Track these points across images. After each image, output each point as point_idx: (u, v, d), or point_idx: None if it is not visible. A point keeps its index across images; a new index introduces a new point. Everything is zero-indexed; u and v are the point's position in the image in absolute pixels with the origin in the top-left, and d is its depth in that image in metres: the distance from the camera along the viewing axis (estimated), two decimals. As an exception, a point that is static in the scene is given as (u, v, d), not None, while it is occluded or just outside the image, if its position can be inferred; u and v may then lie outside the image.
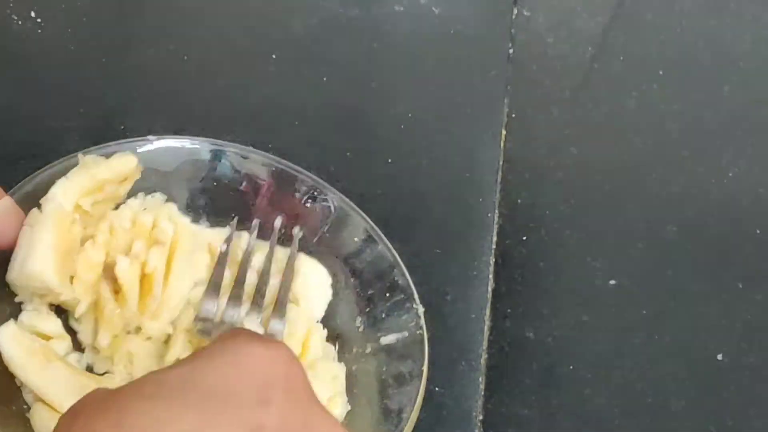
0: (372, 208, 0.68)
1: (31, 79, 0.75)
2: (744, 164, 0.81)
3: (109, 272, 0.63)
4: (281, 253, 0.66)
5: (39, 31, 0.78)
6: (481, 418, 0.67)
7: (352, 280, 0.67)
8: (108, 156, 0.65)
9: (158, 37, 0.80)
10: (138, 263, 0.63)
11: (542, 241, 0.75)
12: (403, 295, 0.65)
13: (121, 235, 0.64)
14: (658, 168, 0.80)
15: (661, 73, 0.85)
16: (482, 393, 0.67)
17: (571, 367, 0.70)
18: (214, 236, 0.67)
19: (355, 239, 0.67)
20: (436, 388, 0.66)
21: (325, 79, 0.80)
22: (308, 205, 0.68)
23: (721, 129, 0.83)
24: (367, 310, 0.66)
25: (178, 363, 0.43)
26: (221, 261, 0.64)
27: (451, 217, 0.74)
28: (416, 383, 0.61)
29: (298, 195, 0.68)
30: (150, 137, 0.67)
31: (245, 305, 0.62)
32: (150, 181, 0.66)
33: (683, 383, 0.70)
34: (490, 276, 0.72)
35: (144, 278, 0.63)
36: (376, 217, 0.68)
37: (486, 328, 0.70)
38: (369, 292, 0.66)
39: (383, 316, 0.65)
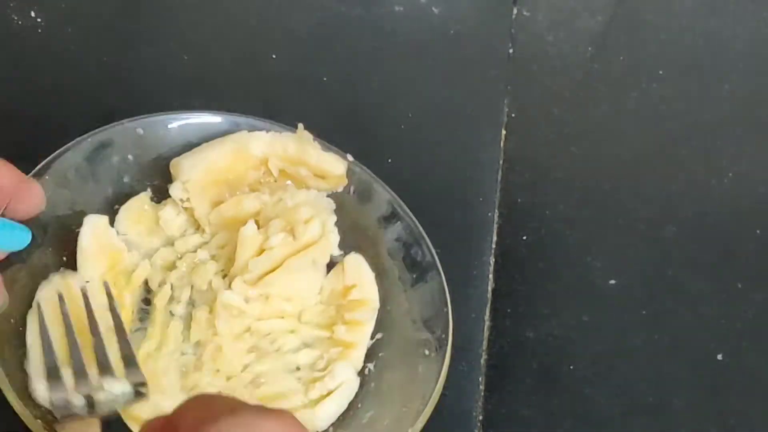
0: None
1: (30, 79, 0.75)
2: (744, 164, 0.81)
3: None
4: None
5: (39, 30, 0.78)
6: (481, 417, 0.67)
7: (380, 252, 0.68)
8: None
9: (158, 36, 0.80)
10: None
11: (542, 240, 0.75)
12: (428, 271, 0.66)
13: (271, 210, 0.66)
14: (658, 168, 0.80)
15: (660, 72, 0.85)
16: (482, 392, 0.67)
17: (571, 367, 0.70)
18: None
19: (381, 212, 0.68)
20: (436, 388, 0.66)
21: (325, 78, 0.80)
22: None
23: (721, 128, 0.83)
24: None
25: None
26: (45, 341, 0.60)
27: (451, 216, 0.74)
28: (440, 359, 0.62)
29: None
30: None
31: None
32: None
33: (683, 383, 0.70)
34: (490, 275, 0.72)
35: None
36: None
37: (486, 328, 0.70)
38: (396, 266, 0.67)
39: (409, 286, 0.66)
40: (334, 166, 0.68)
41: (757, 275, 0.76)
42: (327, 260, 0.66)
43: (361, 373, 0.64)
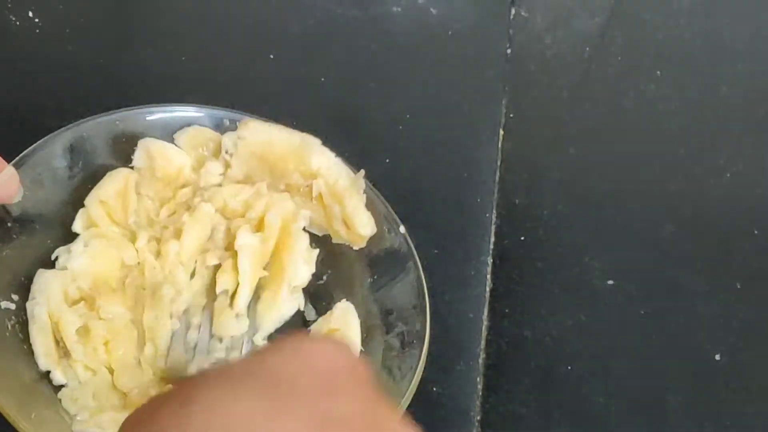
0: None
1: (28, 79, 0.75)
2: (742, 164, 0.81)
3: None
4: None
5: (37, 31, 0.78)
6: (479, 417, 0.67)
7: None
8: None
9: (156, 37, 0.80)
10: None
11: (540, 240, 0.75)
12: (405, 261, 0.66)
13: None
14: (656, 168, 0.80)
15: (658, 73, 0.85)
16: (480, 392, 0.67)
17: (569, 367, 0.70)
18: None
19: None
20: (434, 388, 0.66)
21: (323, 79, 0.80)
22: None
23: (719, 129, 0.83)
24: (372, 276, 0.66)
25: (242, 358, 0.43)
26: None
27: (449, 217, 0.74)
28: (417, 350, 0.62)
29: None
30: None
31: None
32: None
33: (681, 382, 0.71)
34: (488, 276, 0.72)
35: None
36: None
37: (484, 328, 0.70)
38: (370, 256, 0.67)
39: (387, 281, 0.66)
40: (364, 225, 0.67)
41: (755, 275, 0.76)
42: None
43: None
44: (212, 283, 0.64)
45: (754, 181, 0.80)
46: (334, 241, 0.67)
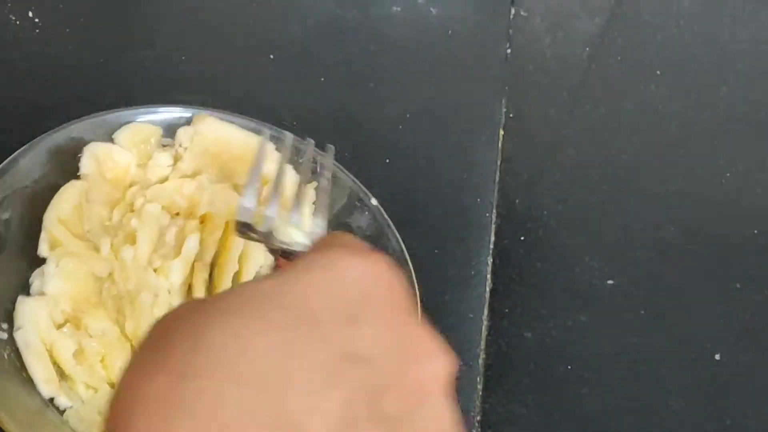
0: (370, 207, 0.69)
1: (28, 79, 0.75)
2: (742, 165, 0.81)
3: None
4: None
5: (37, 30, 0.78)
6: (479, 417, 0.67)
7: None
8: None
9: (156, 37, 0.80)
10: None
11: (540, 241, 0.75)
12: (397, 261, 0.65)
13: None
14: (656, 169, 0.80)
15: (658, 73, 0.85)
16: (480, 392, 0.67)
17: (569, 367, 0.70)
18: None
19: (344, 202, 0.68)
20: (434, 388, 0.66)
21: (322, 79, 0.80)
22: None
23: (719, 130, 0.83)
24: None
25: (269, 276, 0.40)
26: (259, 159, 0.61)
27: (449, 217, 0.74)
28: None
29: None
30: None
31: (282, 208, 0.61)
32: None
33: (681, 383, 0.70)
34: (488, 276, 0.72)
35: None
36: (374, 217, 0.68)
37: (484, 328, 0.70)
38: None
39: None
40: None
41: (755, 276, 0.76)
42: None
43: None
44: (188, 279, 0.64)
45: (754, 182, 0.80)
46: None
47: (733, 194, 0.79)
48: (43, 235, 0.63)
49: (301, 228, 0.56)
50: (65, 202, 0.64)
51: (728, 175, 0.80)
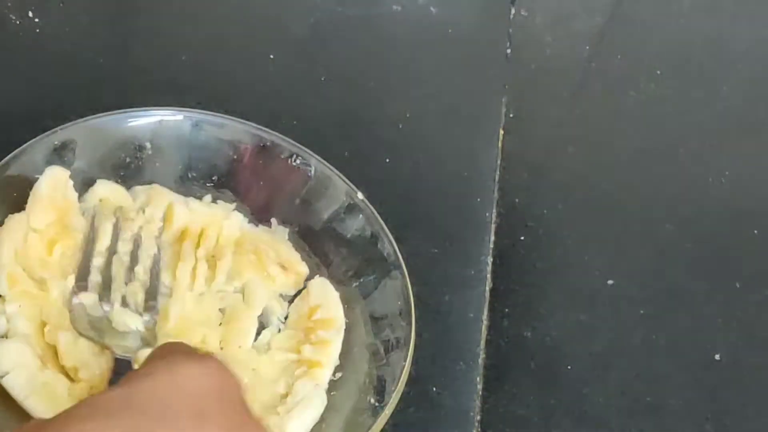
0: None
1: (28, 78, 0.75)
2: (741, 164, 0.81)
3: None
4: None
5: (36, 30, 0.78)
6: (479, 417, 0.67)
7: (339, 249, 0.67)
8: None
9: (155, 37, 0.80)
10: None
11: (540, 240, 0.75)
12: (390, 266, 0.65)
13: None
14: (656, 168, 0.80)
15: (658, 72, 0.85)
16: (480, 392, 0.67)
17: (569, 367, 0.70)
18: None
19: (337, 206, 0.68)
20: (434, 388, 0.66)
21: (323, 79, 0.80)
22: (292, 165, 0.69)
23: (719, 129, 0.83)
24: (356, 280, 0.66)
25: (115, 386, 0.43)
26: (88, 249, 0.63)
27: (449, 217, 0.74)
28: (404, 351, 0.62)
29: (278, 160, 0.69)
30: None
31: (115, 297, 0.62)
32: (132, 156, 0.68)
33: (680, 383, 0.70)
34: (488, 276, 0.72)
35: None
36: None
37: (484, 328, 0.70)
38: (356, 263, 0.67)
39: (371, 285, 0.66)
40: (301, 262, 0.67)
41: (755, 275, 0.76)
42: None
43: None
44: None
45: (753, 181, 0.80)
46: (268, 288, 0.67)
47: (733, 194, 0.79)
48: (0, 275, 0.62)
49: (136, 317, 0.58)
50: (12, 238, 0.63)
51: (728, 174, 0.80)
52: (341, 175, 0.68)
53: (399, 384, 0.60)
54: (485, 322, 0.70)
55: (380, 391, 0.61)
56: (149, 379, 0.42)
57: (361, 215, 0.67)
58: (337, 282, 0.66)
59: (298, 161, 0.68)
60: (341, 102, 0.79)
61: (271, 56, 0.80)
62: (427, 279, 0.69)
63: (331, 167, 0.68)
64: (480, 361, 0.69)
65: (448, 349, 0.68)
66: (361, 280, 0.66)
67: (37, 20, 0.78)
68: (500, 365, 0.69)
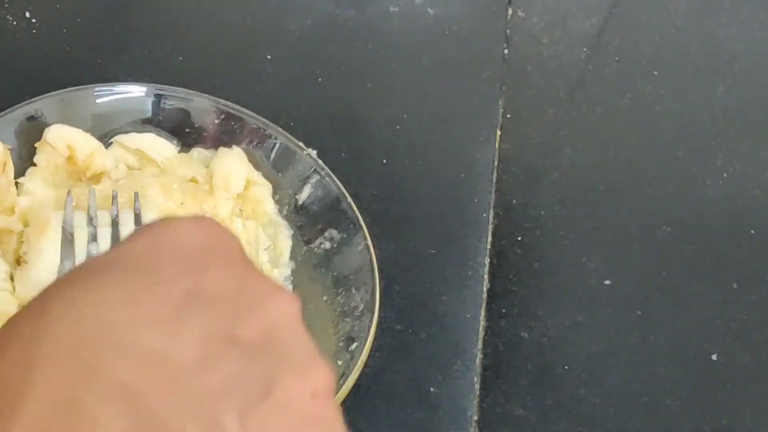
0: (366, 208, 0.68)
1: (25, 79, 0.75)
2: (738, 165, 0.81)
3: None
4: None
5: (33, 31, 0.78)
6: (476, 417, 0.67)
7: (300, 216, 0.68)
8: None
9: (153, 37, 0.80)
10: None
11: (537, 241, 0.75)
12: (352, 226, 0.66)
13: None
14: (653, 168, 0.80)
15: (655, 73, 0.85)
16: (477, 393, 0.67)
17: (566, 367, 0.70)
18: None
19: (301, 176, 0.68)
20: (431, 388, 0.66)
21: (319, 79, 0.80)
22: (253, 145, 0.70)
23: (716, 129, 0.83)
24: (317, 244, 0.67)
25: (102, 252, 0.40)
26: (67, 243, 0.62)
27: (446, 217, 0.74)
28: (369, 315, 0.62)
29: (242, 135, 0.70)
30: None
31: None
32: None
33: (678, 383, 0.70)
34: (485, 276, 0.72)
35: None
36: (371, 217, 0.68)
37: (481, 328, 0.70)
38: (318, 227, 0.67)
39: (334, 249, 0.66)
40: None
41: (752, 276, 0.76)
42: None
43: None
44: None
45: (751, 182, 0.80)
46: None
47: (730, 194, 0.80)
48: None
49: None
50: None
51: (725, 175, 0.80)
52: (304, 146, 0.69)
53: (366, 345, 0.61)
54: (482, 323, 0.70)
55: (348, 353, 0.61)
56: (140, 241, 0.38)
57: (324, 181, 0.68)
58: (305, 243, 0.67)
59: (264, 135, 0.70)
60: (338, 102, 0.79)
61: (268, 56, 0.80)
62: (424, 279, 0.70)
63: (297, 141, 0.69)
64: (477, 361, 0.69)
65: (445, 350, 0.68)
66: (326, 243, 0.66)
67: (33, 21, 0.78)
68: (497, 365, 0.69)
